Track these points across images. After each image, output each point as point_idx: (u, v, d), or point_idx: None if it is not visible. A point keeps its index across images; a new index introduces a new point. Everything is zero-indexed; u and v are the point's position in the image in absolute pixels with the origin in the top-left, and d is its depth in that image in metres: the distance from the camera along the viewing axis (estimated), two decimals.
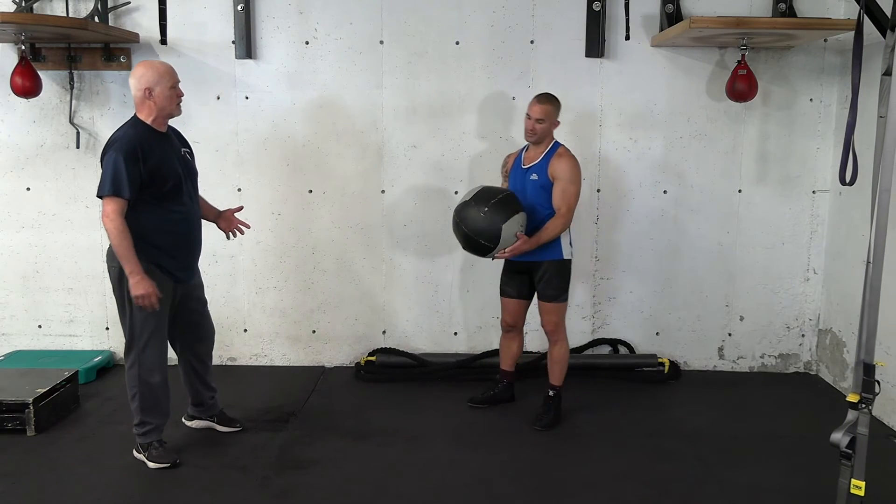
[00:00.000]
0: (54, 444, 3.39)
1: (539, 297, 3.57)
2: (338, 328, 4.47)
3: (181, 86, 3.08)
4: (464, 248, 3.50)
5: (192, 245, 3.19)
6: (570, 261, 3.55)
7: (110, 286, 4.29)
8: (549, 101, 3.47)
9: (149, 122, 2.99)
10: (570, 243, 3.55)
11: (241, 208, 3.49)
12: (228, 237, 3.47)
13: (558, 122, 3.53)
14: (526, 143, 3.59)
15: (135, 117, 3.01)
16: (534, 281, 3.57)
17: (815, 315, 4.39)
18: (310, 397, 3.99)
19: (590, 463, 3.24)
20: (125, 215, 2.88)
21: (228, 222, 3.42)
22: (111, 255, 2.99)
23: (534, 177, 3.48)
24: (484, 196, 3.39)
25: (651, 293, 4.41)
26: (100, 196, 2.88)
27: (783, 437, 3.52)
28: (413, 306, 4.45)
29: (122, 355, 4.39)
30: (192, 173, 3.17)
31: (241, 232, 3.47)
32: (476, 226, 3.34)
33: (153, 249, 2.99)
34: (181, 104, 3.07)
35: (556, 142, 3.54)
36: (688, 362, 4.47)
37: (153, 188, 2.94)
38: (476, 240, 3.37)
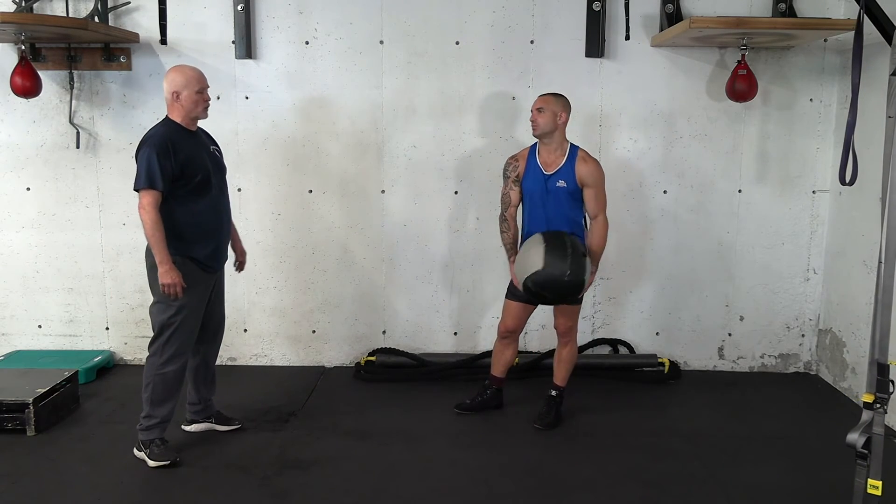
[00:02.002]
0: (54, 444, 3.39)
1: None
2: (338, 328, 4.47)
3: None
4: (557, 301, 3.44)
5: (223, 235, 3.35)
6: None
7: (110, 286, 4.37)
8: (550, 94, 3.44)
9: (178, 121, 3.14)
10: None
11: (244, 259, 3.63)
12: (237, 269, 3.62)
13: (565, 116, 3.42)
14: (534, 142, 3.52)
15: (166, 117, 3.18)
16: None
17: (815, 315, 4.40)
18: (310, 397, 3.99)
19: (590, 463, 3.24)
20: (160, 209, 3.02)
21: (238, 256, 3.59)
22: (149, 251, 3.09)
23: (561, 183, 3.38)
24: (557, 256, 3.23)
25: (651, 293, 4.41)
26: (136, 189, 3.03)
27: (783, 437, 3.52)
28: (413, 306, 4.45)
29: (122, 355, 4.46)
30: (220, 169, 3.33)
31: (238, 270, 3.63)
32: (565, 286, 3.25)
33: (186, 243, 3.11)
34: (208, 108, 3.21)
35: (573, 144, 3.47)
36: (688, 362, 4.47)
37: (183, 181, 3.07)
38: (567, 294, 3.33)
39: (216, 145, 3.36)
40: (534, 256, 3.25)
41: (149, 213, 2.99)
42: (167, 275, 3.02)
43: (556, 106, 3.40)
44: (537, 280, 3.23)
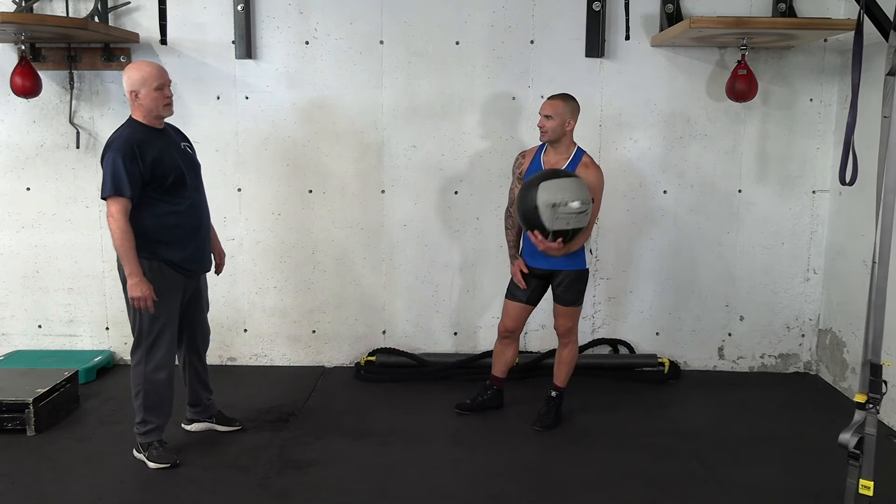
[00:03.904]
0: (54, 444, 3.39)
1: (556, 301, 3.53)
2: (338, 328, 4.47)
3: (178, 86, 3.08)
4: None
5: (203, 235, 3.22)
6: (588, 270, 3.53)
7: (110, 286, 4.37)
8: (559, 98, 3.39)
9: (143, 121, 3.01)
10: (591, 251, 3.53)
11: (222, 262, 3.51)
12: (216, 272, 3.49)
13: (573, 122, 3.42)
14: (541, 143, 3.51)
15: (130, 117, 3.04)
16: (551, 285, 3.54)
17: (815, 315, 4.40)
18: (310, 397, 3.99)
19: (590, 463, 3.24)
20: (132, 215, 2.91)
21: (218, 259, 3.47)
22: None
23: None
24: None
25: (651, 293, 4.41)
26: (103, 198, 2.91)
27: (783, 437, 3.52)
28: (413, 306, 4.45)
29: (122, 355, 4.45)
30: (194, 166, 3.19)
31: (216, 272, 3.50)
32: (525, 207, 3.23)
33: (162, 246, 3.01)
34: (172, 104, 3.05)
35: (580, 148, 3.46)
36: (688, 362, 4.47)
37: (155, 183, 2.96)
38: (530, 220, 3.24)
39: (187, 141, 3.23)
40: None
41: (117, 221, 2.85)
42: (137, 287, 2.90)
43: (565, 113, 3.37)
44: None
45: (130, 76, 2.96)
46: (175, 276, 3.08)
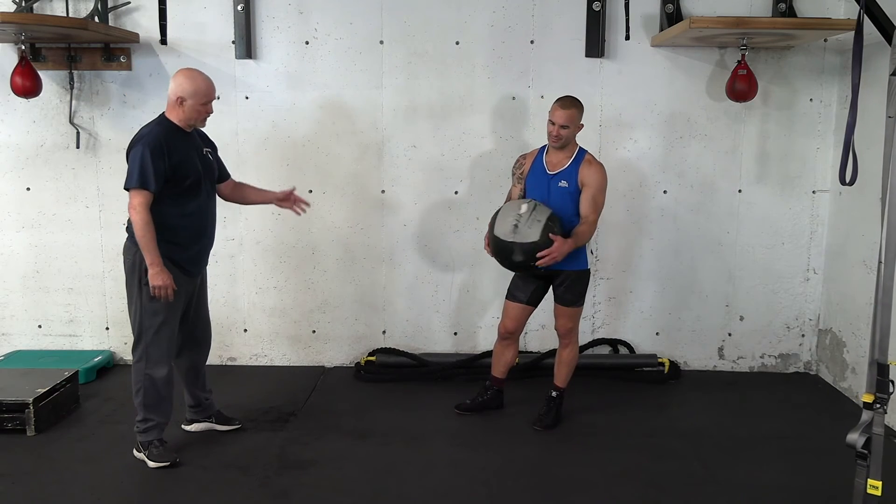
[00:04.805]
0: (54, 444, 3.39)
1: (557, 301, 3.53)
2: (338, 328, 4.47)
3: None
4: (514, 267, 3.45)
5: (206, 239, 3.28)
6: (589, 270, 3.53)
7: (110, 286, 4.37)
8: (573, 106, 3.36)
9: (176, 122, 3.09)
10: (592, 251, 3.54)
11: (294, 188, 3.56)
12: (299, 213, 3.56)
13: (582, 126, 3.43)
14: (542, 145, 3.52)
15: (163, 115, 3.11)
16: (552, 286, 3.54)
17: (815, 315, 4.39)
18: (310, 397, 3.99)
19: (590, 463, 3.24)
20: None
21: (291, 202, 3.52)
22: (127, 248, 3.07)
23: (563, 184, 3.38)
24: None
25: (651, 293, 4.41)
26: (127, 188, 2.98)
27: (783, 437, 3.52)
28: (413, 306, 4.45)
29: (122, 355, 4.45)
30: (211, 172, 3.25)
31: (304, 210, 3.55)
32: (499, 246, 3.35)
33: (168, 244, 3.05)
34: (207, 119, 3.15)
35: (581, 147, 3.46)
36: (688, 362, 4.47)
37: (173, 183, 3.02)
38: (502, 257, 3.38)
39: (209, 146, 3.29)
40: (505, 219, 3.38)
41: (140, 213, 2.93)
42: (158, 276, 2.97)
43: (578, 119, 3.38)
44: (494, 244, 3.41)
45: (183, 83, 3.04)
46: (179, 275, 3.11)
